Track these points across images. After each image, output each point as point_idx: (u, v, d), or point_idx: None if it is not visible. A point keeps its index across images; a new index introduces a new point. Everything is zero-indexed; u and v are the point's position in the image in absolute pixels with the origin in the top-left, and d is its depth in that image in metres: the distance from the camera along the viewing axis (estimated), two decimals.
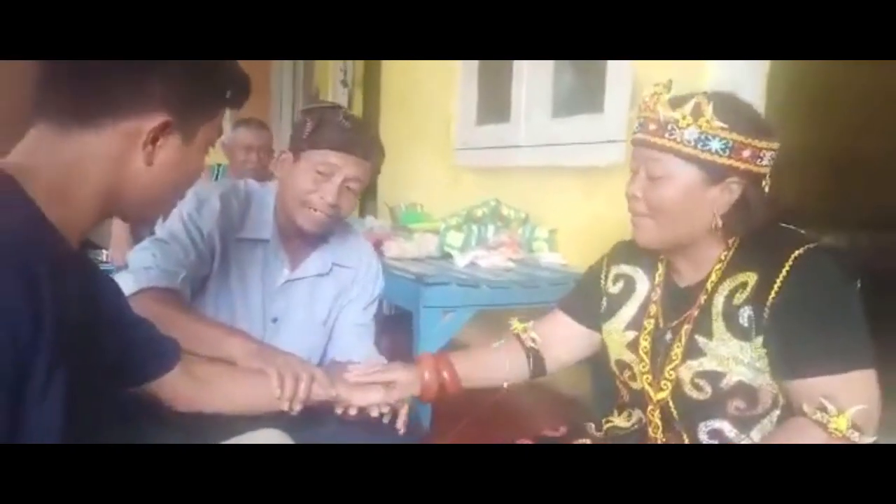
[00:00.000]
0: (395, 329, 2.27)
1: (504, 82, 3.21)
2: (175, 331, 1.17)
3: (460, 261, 2.50)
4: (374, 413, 1.33)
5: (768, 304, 1.08)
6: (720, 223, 1.13)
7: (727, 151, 1.08)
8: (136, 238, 2.79)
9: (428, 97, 3.87)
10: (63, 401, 0.73)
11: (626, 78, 2.46)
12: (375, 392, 1.35)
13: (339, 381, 1.34)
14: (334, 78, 5.16)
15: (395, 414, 1.37)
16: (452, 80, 3.62)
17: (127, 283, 1.37)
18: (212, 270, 1.48)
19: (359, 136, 1.48)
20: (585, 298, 1.40)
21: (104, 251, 3.04)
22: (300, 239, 1.55)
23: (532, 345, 1.40)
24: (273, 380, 1.23)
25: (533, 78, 3.05)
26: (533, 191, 2.92)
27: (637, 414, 1.29)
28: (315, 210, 1.47)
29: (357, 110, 4.57)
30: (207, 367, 1.21)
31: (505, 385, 1.35)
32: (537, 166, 2.95)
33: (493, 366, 1.40)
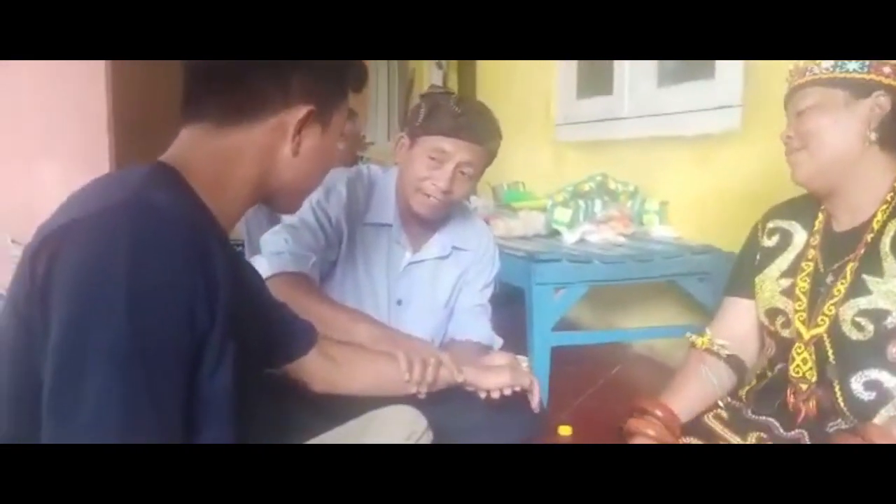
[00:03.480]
0: (507, 307, 2.27)
1: None
2: (305, 314, 1.21)
3: (569, 237, 2.47)
4: (507, 392, 1.34)
5: None
6: (873, 137, 1.16)
7: (865, 68, 1.15)
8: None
9: (526, 73, 3.82)
10: (232, 376, 0.77)
11: None
12: (504, 375, 1.36)
13: (466, 364, 1.36)
14: (429, 62, 5.18)
15: (524, 393, 1.38)
16: None
17: (262, 267, 1.43)
18: (339, 255, 1.53)
19: (471, 121, 1.48)
20: (749, 270, 1.37)
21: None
22: (420, 223, 1.57)
23: (727, 352, 1.37)
24: (402, 363, 1.25)
25: None
26: (640, 163, 2.85)
27: (780, 367, 1.27)
28: (428, 196, 1.49)
29: None
30: (341, 348, 1.25)
31: (719, 403, 1.34)
32: (644, 137, 2.87)
33: (706, 393, 1.35)
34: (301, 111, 0.87)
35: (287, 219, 1.52)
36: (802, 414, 1.19)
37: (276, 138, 0.87)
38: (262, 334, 1.02)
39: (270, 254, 1.46)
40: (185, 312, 0.72)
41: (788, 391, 1.22)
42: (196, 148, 0.86)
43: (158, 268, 0.71)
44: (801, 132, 1.21)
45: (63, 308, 0.69)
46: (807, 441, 1.18)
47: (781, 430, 1.22)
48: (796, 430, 1.20)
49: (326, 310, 1.40)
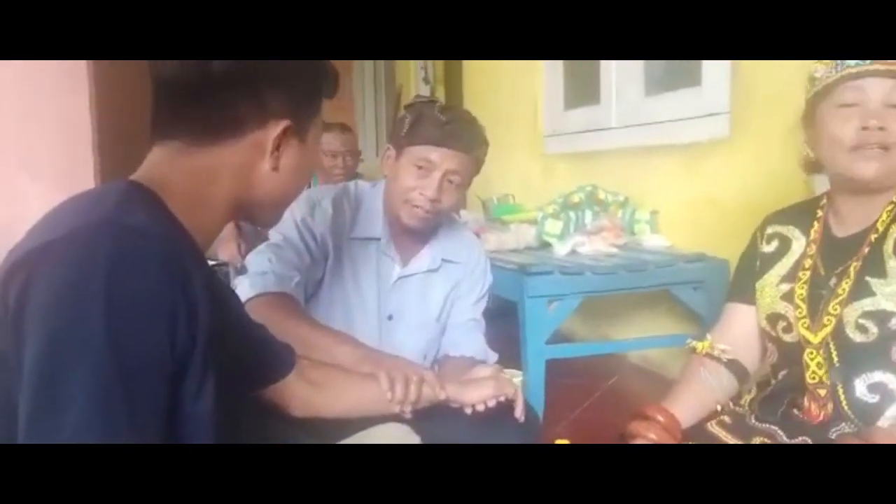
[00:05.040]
0: (500, 321, 2.24)
1: (591, 63, 3.13)
2: (286, 335, 1.18)
3: (560, 249, 2.45)
4: (492, 404, 1.32)
5: None
6: None
7: None
8: (243, 234, 2.85)
9: (512, 86, 3.82)
10: (214, 399, 0.75)
11: None
12: (486, 388, 1.33)
13: (448, 380, 1.33)
14: (416, 76, 5.19)
15: (510, 404, 1.35)
16: (537, 66, 3.56)
17: (244, 288, 1.40)
18: (325, 272, 1.50)
19: (456, 129, 1.46)
20: (749, 275, 1.36)
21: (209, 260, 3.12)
22: (409, 236, 1.55)
23: (728, 356, 1.35)
24: (383, 383, 1.23)
25: None
26: (630, 173, 2.84)
27: (783, 374, 1.25)
28: (416, 207, 1.47)
29: None
30: (321, 371, 1.22)
31: (718, 408, 1.32)
32: (633, 147, 2.86)
33: (707, 399, 1.33)
34: (278, 127, 0.85)
35: (272, 237, 1.50)
36: (820, 418, 1.17)
37: (254, 156, 0.85)
38: (240, 357, 0.99)
39: (254, 274, 1.43)
40: (165, 334, 0.69)
41: (806, 398, 1.20)
42: (170, 167, 0.84)
43: (137, 289, 0.68)
44: (893, 128, 1.13)
45: (38, 332, 0.66)
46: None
47: (785, 438, 1.20)
48: (800, 438, 1.18)
49: (308, 331, 1.37)
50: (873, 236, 1.18)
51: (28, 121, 2.68)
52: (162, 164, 0.84)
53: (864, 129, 1.13)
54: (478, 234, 2.58)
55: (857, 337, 1.14)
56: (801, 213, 1.32)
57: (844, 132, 1.15)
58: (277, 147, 0.86)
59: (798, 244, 1.30)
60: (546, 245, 2.58)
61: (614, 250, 2.43)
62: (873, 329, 1.12)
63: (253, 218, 0.94)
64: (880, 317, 1.12)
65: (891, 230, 1.17)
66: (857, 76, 1.15)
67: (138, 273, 0.69)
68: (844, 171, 1.17)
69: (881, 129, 1.13)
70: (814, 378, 1.18)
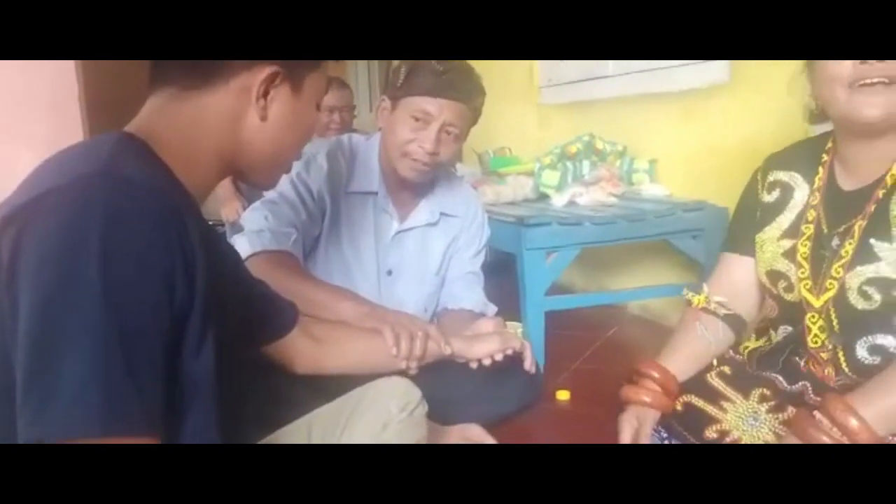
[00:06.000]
0: (499, 274, 2.24)
1: None
2: (287, 293, 1.18)
3: (558, 200, 2.43)
4: (499, 357, 1.32)
5: None
6: None
7: None
8: (243, 194, 2.84)
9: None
10: (215, 356, 0.74)
11: None
12: (492, 342, 1.33)
13: (449, 334, 1.33)
14: None
15: (515, 357, 1.36)
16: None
17: (242, 246, 1.39)
18: (323, 228, 1.49)
19: (453, 79, 1.43)
20: (749, 226, 1.32)
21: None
22: (406, 189, 1.54)
23: (725, 311, 1.32)
24: (388, 339, 1.22)
25: None
26: (628, 122, 2.80)
27: (783, 330, 1.23)
28: (415, 159, 1.45)
29: None
30: (325, 327, 1.22)
31: (714, 362, 1.30)
32: (629, 95, 2.82)
33: (703, 352, 1.32)
34: (264, 71, 0.82)
35: (268, 194, 1.48)
36: (822, 378, 1.16)
37: (242, 103, 0.83)
38: (241, 313, 0.98)
39: (251, 232, 1.42)
40: (164, 288, 0.68)
41: (805, 360, 1.18)
42: (162, 116, 0.82)
43: (134, 241, 0.66)
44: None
45: (33, 288, 0.64)
46: (810, 393, 1.16)
47: (786, 384, 1.20)
48: (800, 384, 1.18)
49: (309, 288, 1.37)
50: (881, 192, 1.12)
51: (16, 94, 2.64)
52: (154, 114, 0.82)
53: (864, 63, 1.06)
54: (475, 188, 2.57)
55: (860, 304, 1.10)
56: (804, 157, 1.26)
57: (842, 68, 1.08)
58: (265, 94, 0.83)
59: (801, 193, 1.24)
60: (543, 196, 2.56)
61: (613, 200, 2.41)
62: (877, 296, 1.09)
63: (245, 175, 0.91)
64: (884, 284, 1.08)
65: None
66: None
67: (134, 226, 0.67)
68: (847, 111, 1.09)
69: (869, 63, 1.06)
70: (815, 342, 1.16)
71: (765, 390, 1.20)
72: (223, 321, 0.80)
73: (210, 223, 2.93)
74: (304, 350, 1.15)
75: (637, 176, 2.62)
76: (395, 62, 1.52)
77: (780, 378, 1.21)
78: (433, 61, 1.43)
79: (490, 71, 3.97)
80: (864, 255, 1.10)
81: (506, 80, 3.68)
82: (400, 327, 1.25)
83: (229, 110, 0.83)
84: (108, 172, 0.70)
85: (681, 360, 1.29)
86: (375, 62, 6.01)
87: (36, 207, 0.67)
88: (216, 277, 0.77)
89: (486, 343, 1.33)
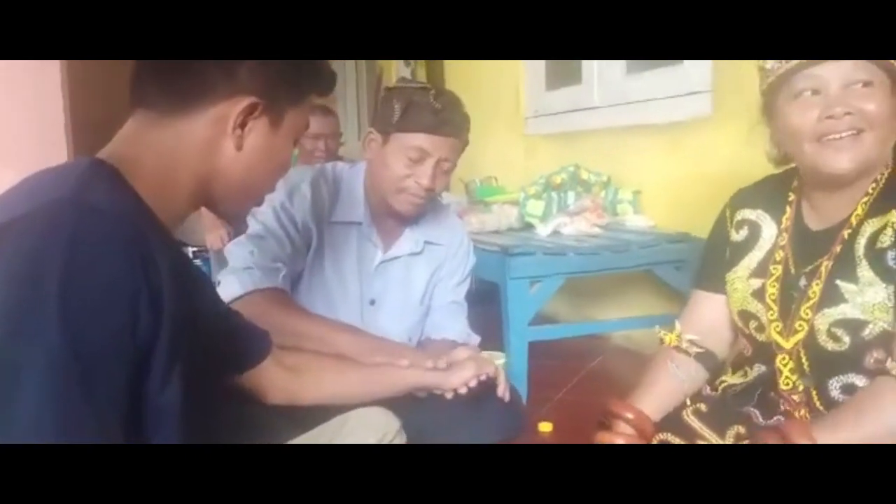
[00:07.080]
0: (482, 303, 2.23)
1: None
2: (283, 331, 1.17)
3: (542, 230, 2.44)
4: (473, 384, 1.31)
5: None
6: None
7: None
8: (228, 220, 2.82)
9: (493, 66, 3.78)
10: (182, 389, 0.72)
11: None
12: (467, 370, 1.32)
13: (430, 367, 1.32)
14: None
15: (493, 385, 1.34)
16: None
17: (232, 286, 1.38)
18: (307, 259, 1.48)
19: (450, 115, 1.43)
20: (719, 264, 1.30)
21: (189, 248, 3.09)
22: (392, 220, 1.53)
23: (697, 349, 1.29)
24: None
25: None
26: (612, 153, 2.83)
27: (758, 368, 1.22)
28: (412, 194, 1.44)
29: None
30: (298, 356, 1.20)
31: (687, 401, 1.27)
32: (615, 127, 2.85)
33: (676, 391, 1.28)
34: (243, 102, 0.82)
35: (252, 227, 1.46)
36: (796, 417, 1.15)
37: (218, 131, 0.82)
38: (213, 342, 0.96)
39: (238, 270, 1.40)
40: (126, 318, 0.67)
41: (781, 404, 1.17)
42: (138, 141, 0.81)
43: (97, 268, 0.65)
44: (865, 110, 1.03)
45: None
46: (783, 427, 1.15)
47: (761, 419, 1.19)
48: (775, 418, 1.17)
49: (306, 324, 1.36)
50: (846, 232, 1.10)
51: (2, 114, 2.63)
52: (129, 137, 0.82)
53: (830, 118, 1.03)
54: (460, 216, 2.57)
55: (830, 345, 1.09)
56: (771, 195, 1.24)
57: (805, 122, 1.06)
58: (242, 125, 0.83)
59: (769, 231, 1.23)
60: (528, 226, 2.57)
61: (597, 230, 2.43)
62: (846, 338, 1.07)
63: (216, 204, 0.89)
64: (853, 325, 1.06)
65: (864, 227, 1.09)
66: (812, 63, 1.05)
67: (97, 254, 0.66)
68: (816, 164, 1.07)
69: (848, 113, 1.04)
70: (787, 384, 1.15)
71: (740, 428, 1.19)
72: (195, 349, 0.78)
73: (195, 250, 2.89)
74: (276, 380, 1.14)
75: (621, 207, 2.63)
76: (385, 93, 1.52)
77: (757, 412, 1.20)
78: (431, 98, 1.42)
79: (477, 101, 4.01)
80: (831, 296, 1.09)
81: (493, 110, 3.71)
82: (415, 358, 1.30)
83: (205, 138, 0.82)
84: (74, 200, 0.69)
85: (655, 400, 1.26)
86: (364, 89, 6.05)
87: (4, 234, 0.67)
88: (187, 305, 0.75)
89: (460, 371, 1.31)
